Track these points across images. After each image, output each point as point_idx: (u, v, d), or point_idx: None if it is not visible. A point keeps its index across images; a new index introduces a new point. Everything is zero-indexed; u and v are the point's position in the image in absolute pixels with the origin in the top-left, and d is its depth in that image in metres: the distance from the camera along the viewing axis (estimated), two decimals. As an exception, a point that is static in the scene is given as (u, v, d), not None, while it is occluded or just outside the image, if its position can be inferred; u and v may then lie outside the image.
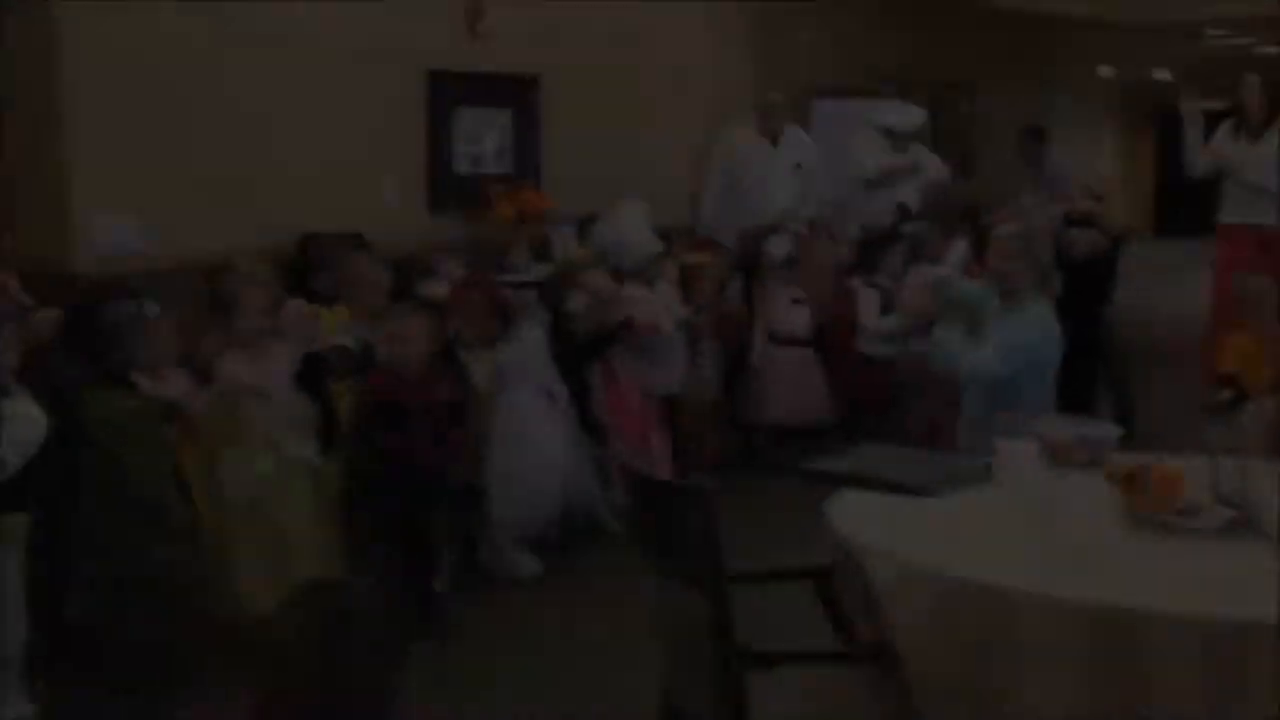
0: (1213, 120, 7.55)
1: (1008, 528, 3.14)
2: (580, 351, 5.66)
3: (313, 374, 4.54)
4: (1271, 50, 13.42)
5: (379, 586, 4.40)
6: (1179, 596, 2.63)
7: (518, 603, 5.07)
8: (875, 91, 8.97)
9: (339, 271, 5.13)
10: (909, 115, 8.15)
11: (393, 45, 6.38)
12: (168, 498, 4.11)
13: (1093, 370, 6.73)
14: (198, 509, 4.42)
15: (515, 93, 7.04)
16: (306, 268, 5.36)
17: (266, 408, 4.38)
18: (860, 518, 3.18)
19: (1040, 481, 3.31)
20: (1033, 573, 2.79)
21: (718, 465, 6.73)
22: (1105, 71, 18.02)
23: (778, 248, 6.78)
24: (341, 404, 4.68)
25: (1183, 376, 7.40)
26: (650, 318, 6.09)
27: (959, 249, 6.72)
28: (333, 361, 4.67)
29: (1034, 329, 4.65)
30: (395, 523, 4.59)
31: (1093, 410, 6.41)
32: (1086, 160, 16.98)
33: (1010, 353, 4.64)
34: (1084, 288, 6.43)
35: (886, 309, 6.78)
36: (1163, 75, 18.43)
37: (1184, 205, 16.27)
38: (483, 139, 6.95)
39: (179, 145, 5.57)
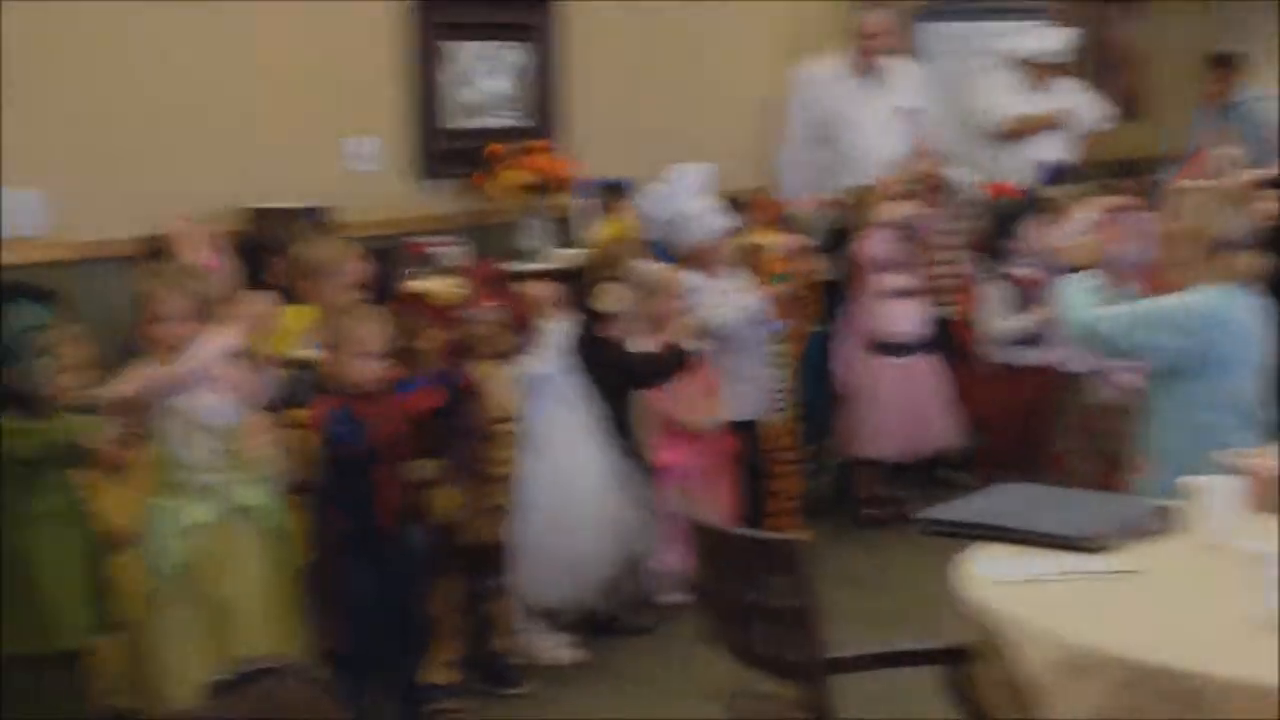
0: None
1: (1202, 594, 3.15)
2: (627, 376, 5.68)
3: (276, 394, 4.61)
4: None
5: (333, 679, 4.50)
6: None
7: (551, 698, 5.12)
8: (1005, 10, 8.97)
9: (299, 259, 5.18)
10: (1051, 40, 8.17)
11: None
12: (74, 564, 4.17)
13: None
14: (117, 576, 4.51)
15: (528, 22, 7.09)
16: (259, 253, 5.41)
17: (203, 437, 4.44)
18: (1004, 583, 3.19)
19: (1244, 531, 3.31)
20: (1237, 654, 2.79)
21: (807, 514, 6.78)
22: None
23: (881, 221, 6.76)
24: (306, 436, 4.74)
25: None
26: (718, 319, 6.13)
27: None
28: (297, 380, 4.73)
29: (1200, 313, 4.46)
30: (370, 595, 4.65)
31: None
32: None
33: (1149, 324, 4.43)
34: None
35: (1022, 303, 6.79)
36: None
37: None
38: (485, 83, 7.00)
39: (96, 108, 5.65)
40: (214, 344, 4.37)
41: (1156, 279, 4.82)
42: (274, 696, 1.90)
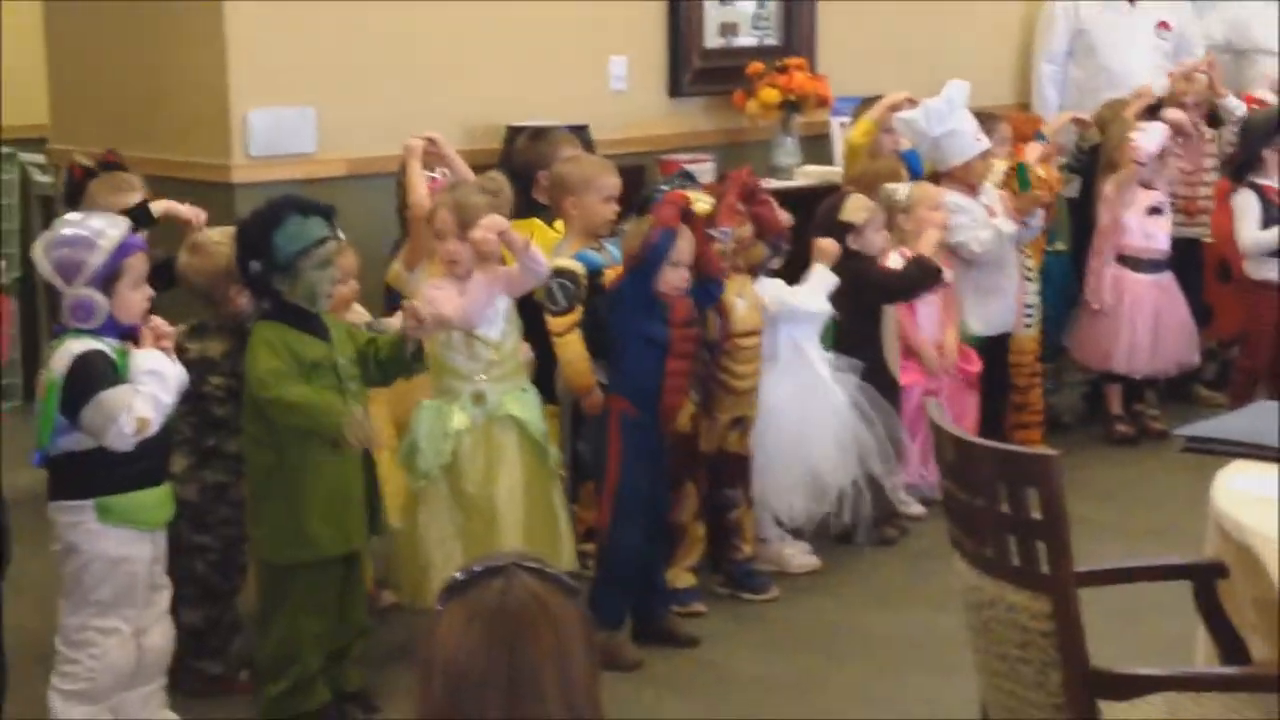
0: None
1: None
2: (875, 291, 5.63)
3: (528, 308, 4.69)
4: None
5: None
6: None
7: (794, 606, 5.16)
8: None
9: (560, 176, 5.24)
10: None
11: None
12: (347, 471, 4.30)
13: None
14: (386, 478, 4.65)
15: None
16: (522, 171, 5.49)
17: (477, 345, 4.54)
18: (1260, 500, 3.11)
19: None
20: None
21: (1053, 429, 6.68)
22: None
23: (1143, 137, 6.57)
24: (569, 346, 4.81)
25: None
26: (977, 238, 6.04)
27: None
28: (554, 293, 4.79)
29: None
30: (641, 490, 4.72)
31: None
32: None
33: None
34: None
35: (1275, 217, 6.57)
36: None
37: None
38: (738, 2, 6.97)
39: (363, 27, 5.78)
40: (489, 286, 4.47)
41: None
42: (505, 594, 1.90)
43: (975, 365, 6.07)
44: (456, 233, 4.51)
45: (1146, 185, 6.62)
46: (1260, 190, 6.66)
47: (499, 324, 4.58)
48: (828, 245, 5.40)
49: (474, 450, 4.52)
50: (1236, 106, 7.09)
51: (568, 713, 1.87)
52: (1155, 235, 6.66)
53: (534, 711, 1.86)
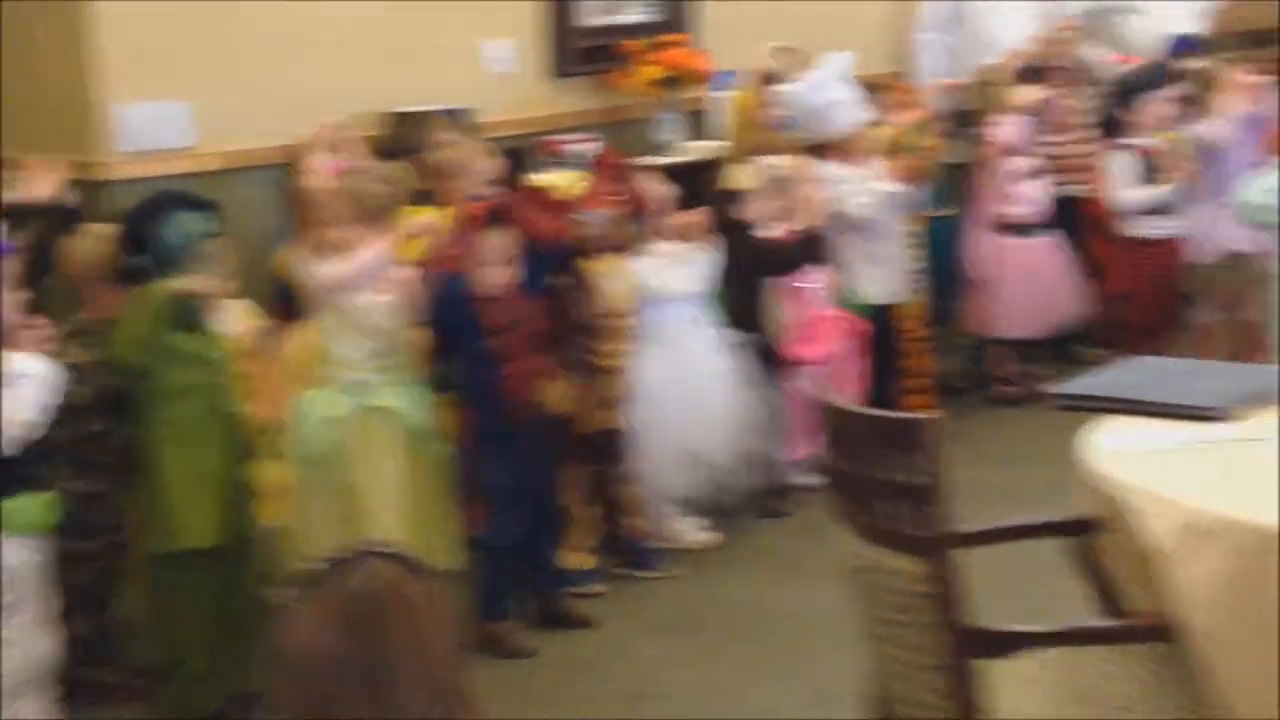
0: None
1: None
2: (758, 264, 5.64)
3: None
4: None
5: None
6: None
7: (687, 581, 5.16)
8: None
9: (436, 160, 5.20)
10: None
11: None
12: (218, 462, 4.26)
13: None
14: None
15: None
16: (399, 156, 5.44)
17: (358, 335, 4.51)
18: (1130, 455, 3.15)
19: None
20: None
21: (942, 393, 6.73)
22: None
23: (1015, 99, 6.62)
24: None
25: None
26: (858, 206, 6.06)
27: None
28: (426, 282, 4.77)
29: None
30: (506, 485, 4.72)
31: None
32: None
33: None
34: None
35: (1148, 174, 6.65)
36: None
37: None
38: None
39: (236, 17, 5.70)
40: (378, 251, 4.43)
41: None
42: (359, 583, 1.88)
43: (860, 329, 6.09)
44: (354, 219, 4.48)
45: (1020, 152, 6.68)
46: (1133, 149, 6.73)
47: (386, 313, 4.54)
48: (693, 220, 5.38)
49: (354, 440, 4.49)
50: (1103, 66, 7.17)
51: (430, 699, 1.85)
52: (1031, 199, 6.73)
53: (395, 700, 1.83)
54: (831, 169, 6.02)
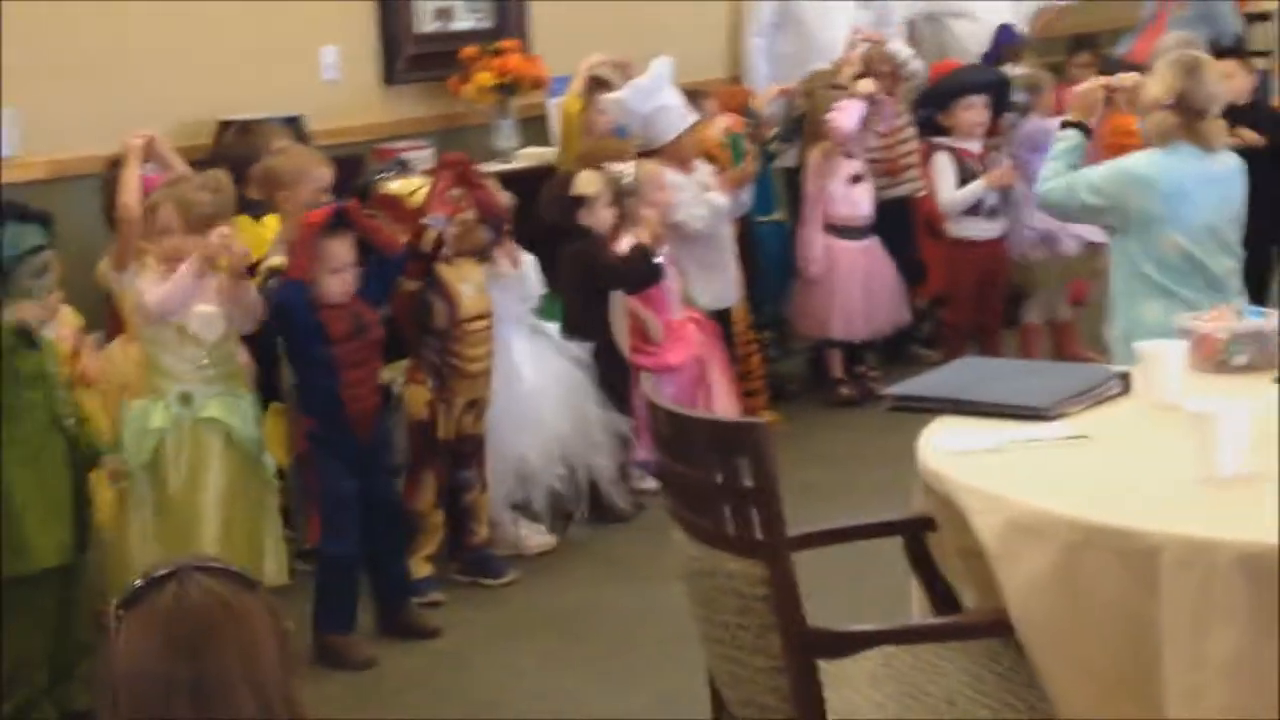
0: None
1: (1151, 456, 3.16)
2: (608, 279, 5.63)
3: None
4: None
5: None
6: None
7: (532, 587, 5.16)
8: None
9: (269, 169, 5.14)
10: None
11: None
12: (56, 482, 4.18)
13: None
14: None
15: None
16: (233, 165, 5.37)
17: (187, 346, 4.45)
18: (961, 454, 3.20)
19: (1193, 392, 3.31)
20: (1181, 514, 2.80)
21: (782, 396, 6.81)
22: None
23: (839, 116, 6.71)
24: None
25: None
26: (693, 215, 6.09)
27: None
28: (267, 290, 4.70)
29: (1124, 173, 4.60)
30: (347, 494, 4.67)
31: (1266, 296, 6.40)
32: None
33: (1089, 188, 4.56)
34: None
35: (970, 175, 6.77)
36: None
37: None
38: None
39: (63, 22, 5.57)
40: (199, 265, 4.36)
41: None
42: (180, 598, 1.84)
43: (709, 332, 6.12)
44: (182, 229, 4.41)
45: (848, 155, 6.77)
46: (955, 151, 6.85)
47: (215, 325, 4.48)
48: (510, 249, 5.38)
49: (177, 452, 4.42)
50: (915, 71, 7.29)
51: (260, 712, 1.82)
52: (859, 202, 6.81)
53: (225, 714, 1.81)
54: (669, 175, 6.04)
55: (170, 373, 4.46)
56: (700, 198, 6.16)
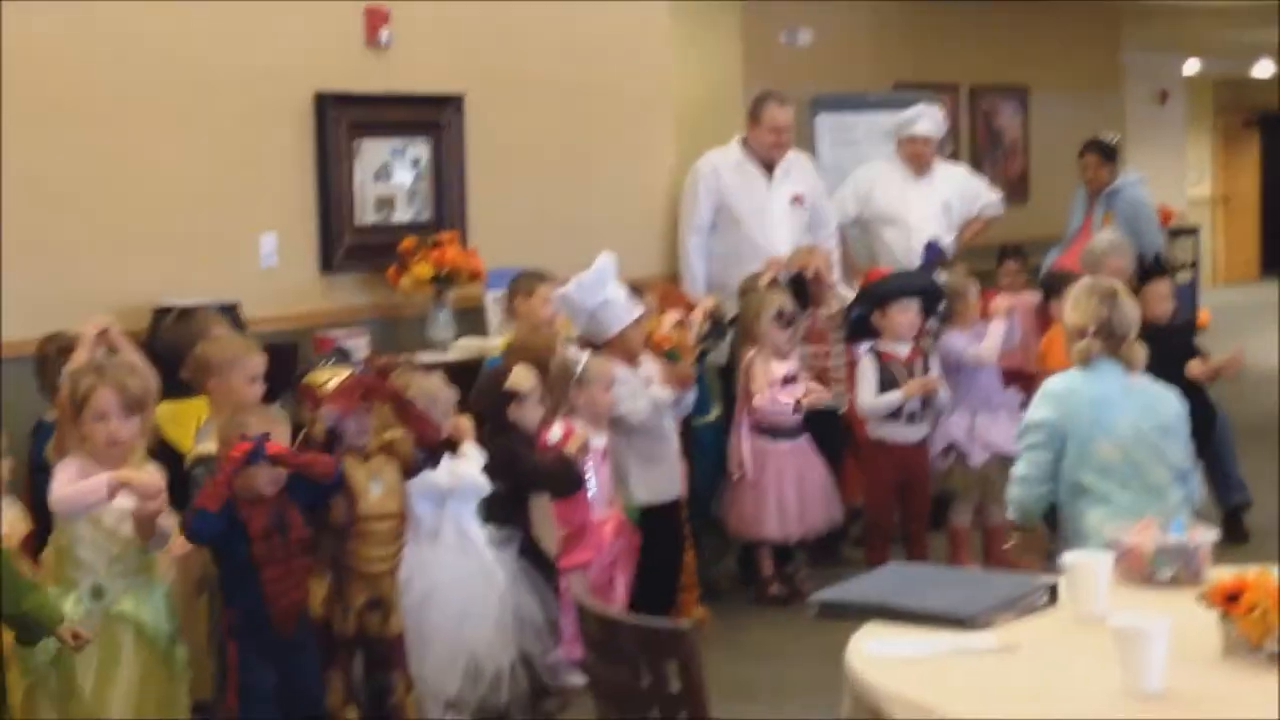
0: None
1: (1076, 668, 3.17)
2: (530, 482, 5.63)
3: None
4: None
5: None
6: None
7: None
8: (895, 100, 9.08)
9: (202, 356, 5.13)
10: (932, 120, 8.25)
11: (273, 61, 6.41)
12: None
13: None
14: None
15: (431, 118, 7.09)
16: (162, 352, 5.36)
17: (102, 540, 4.40)
18: (889, 661, 3.20)
19: (1115, 607, 3.33)
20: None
21: (712, 593, 6.77)
22: (1192, 67, 18.34)
23: (772, 308, 6.80)
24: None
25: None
26: (636, 410, 6.12)
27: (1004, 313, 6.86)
28: (205, 477, 4.66)
29: (1045, 394, 4.86)
30: (268, 689, 4.60)
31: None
32: (1171, 178, 17.27)
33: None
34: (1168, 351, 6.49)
35: (893, 381, 6.82)
36: (1266, 70, 18.76)
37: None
38: (388, 179, 6.98)
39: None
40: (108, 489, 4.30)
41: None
42: None
43: (631, 537, 6.09)
44: (119, 413, 4.37)
45: (780, 356, 6.83)
46: (879, 355, 6.91)
47: (127, 521, 4.42)
48: (463, 423, 5.36)
49: (87, 647, 4.32)
50: (843, 291, 7.44)
51: None
52: (787, 405, 6.80)
53: None
54: (616, 369, 6.06)
55: (83, 564, 4.39)
56: (642, 391, 6.19)
